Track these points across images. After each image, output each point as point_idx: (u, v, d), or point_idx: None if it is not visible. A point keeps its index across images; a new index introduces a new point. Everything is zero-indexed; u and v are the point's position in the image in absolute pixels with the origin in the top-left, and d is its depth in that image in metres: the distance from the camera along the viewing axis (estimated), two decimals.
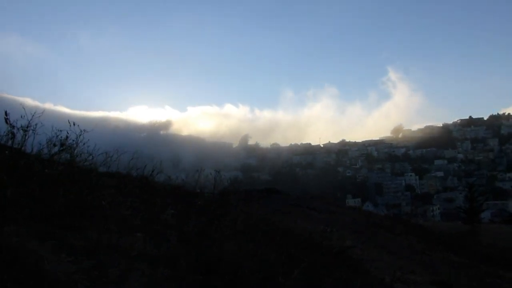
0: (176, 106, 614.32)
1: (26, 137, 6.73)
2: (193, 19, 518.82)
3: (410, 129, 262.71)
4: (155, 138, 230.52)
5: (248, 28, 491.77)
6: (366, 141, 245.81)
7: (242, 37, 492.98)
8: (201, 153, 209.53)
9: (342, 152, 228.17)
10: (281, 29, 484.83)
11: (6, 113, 6.40)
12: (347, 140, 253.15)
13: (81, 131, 7.38)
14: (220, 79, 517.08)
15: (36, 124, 6.79)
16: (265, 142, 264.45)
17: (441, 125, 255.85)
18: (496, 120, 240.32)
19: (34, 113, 6.73)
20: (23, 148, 6.68)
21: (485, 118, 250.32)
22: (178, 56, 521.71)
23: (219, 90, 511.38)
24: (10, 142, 6.46)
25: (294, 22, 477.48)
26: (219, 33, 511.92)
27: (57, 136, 7.17)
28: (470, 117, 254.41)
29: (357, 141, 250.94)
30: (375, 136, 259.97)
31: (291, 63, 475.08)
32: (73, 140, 7.36)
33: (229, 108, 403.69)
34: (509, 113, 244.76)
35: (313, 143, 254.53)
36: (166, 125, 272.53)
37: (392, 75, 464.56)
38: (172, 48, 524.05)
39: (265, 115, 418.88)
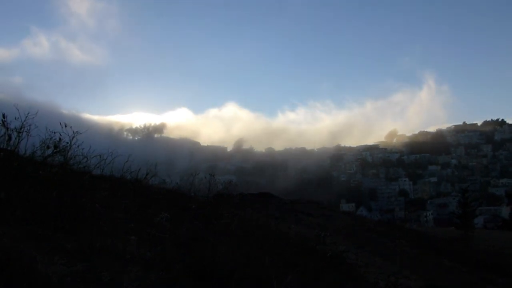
0: (172, 108, 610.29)
1: (20, 139, 6.70)
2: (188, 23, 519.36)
3: (404, 134, 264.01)
4: (150, 141, 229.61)
5: (245, 31, 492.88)
6: (361, 146, 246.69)
7: (236, 41, 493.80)
8: (196, 156, 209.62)
9: (337, 157, 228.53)
10: (276, 30, 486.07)
11: (4, 116, 6.37)
12: (342, 145, 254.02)
13: (73, 132, 7.35)
14: (216, 83, 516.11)
15: (30, 126, 6.77)
16: (260, 146, 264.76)
17: (435, 130, 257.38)
18: (490, 126, 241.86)
19: (28, 113, 6.70)
20: (16, 150, 6.65)
21: (479, 124, 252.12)
22: (175, 58, 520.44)
23: (210, 93, 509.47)
24: (5, 144, 6.43)
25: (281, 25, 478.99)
26: (217, 37, 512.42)
27: (51, 138, 7.14)
28: (464, 122, 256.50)
29: (351, 146, 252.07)
30: (370, 141, 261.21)
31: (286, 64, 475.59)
32: (67, 142, 7.34)
33: (225, 111, 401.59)
34: (502, 119, 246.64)
35: (307, 148, 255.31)
36: (161, 128, 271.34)
37: (390, 79, 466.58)
38: (165, 50, 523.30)
39: (262, 119, 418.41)
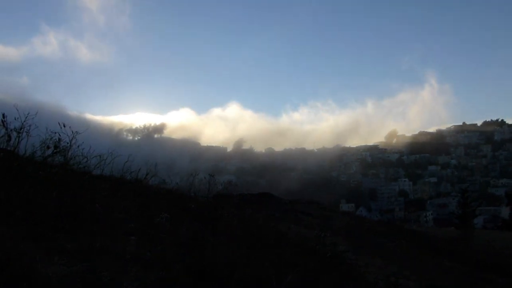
0: (175, 108, 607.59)
1: (20, 139, 6.70)
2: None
3: (404, 135, 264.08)
4: (150, 142, 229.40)
5: (243, 30, 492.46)
6: (361, 146, 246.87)
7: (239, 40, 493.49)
8: (196, 156, 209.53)
9: (337, 157, 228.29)
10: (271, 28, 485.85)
11: (3, 116, 6.37)
12: (342, 145, 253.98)
13: (73, 132, 7.35)
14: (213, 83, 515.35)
15: (30, 126, 6.77)
16: (262, 147, 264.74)
17: (435, 130, 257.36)
18: (490, 127, 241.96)
19: (28, 113, 6.70)
20: (16, 150, 6.65)
21: (478, 124, 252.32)
22: (178, 58, 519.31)
23: (207, 95, 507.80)
24: (5, 144, 6.44)
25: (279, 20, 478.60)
26: (217, 35, 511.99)
27: (51, 138, 7.14)
28: (464, 123, 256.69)
29: (351, 146, 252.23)
30: (369, 142, 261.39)
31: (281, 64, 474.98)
32: (67, 143, 7.34)
33: (228, 111, 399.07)
34: (502, 120, 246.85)
35: (307, 148, 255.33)
36: (161, 128, 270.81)
37: (390, 79, 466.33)
38: (166, 51, 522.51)
39: (266, 120, 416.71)
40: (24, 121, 6.71)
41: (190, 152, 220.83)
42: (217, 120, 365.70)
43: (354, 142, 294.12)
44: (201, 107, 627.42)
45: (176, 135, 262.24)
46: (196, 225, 7.85)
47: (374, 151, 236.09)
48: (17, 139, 6.64)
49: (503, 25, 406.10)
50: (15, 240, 4.20)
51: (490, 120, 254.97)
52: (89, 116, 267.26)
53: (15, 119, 6.65)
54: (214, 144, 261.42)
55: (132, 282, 4.18)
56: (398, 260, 14.94)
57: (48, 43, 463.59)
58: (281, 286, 5.38)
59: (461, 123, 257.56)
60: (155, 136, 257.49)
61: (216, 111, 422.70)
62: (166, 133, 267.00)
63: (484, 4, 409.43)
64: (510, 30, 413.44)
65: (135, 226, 6.13)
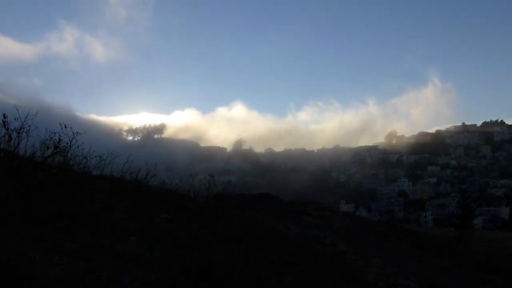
0: (180, 108, 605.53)
1: (20, 139, 6.70)
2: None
3: (404, 135, 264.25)
4: (150, 142, 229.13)
5: (247, 31, 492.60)
6: (360, 146, 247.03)
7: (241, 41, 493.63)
8: (196, 157, 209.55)
9: (337, 158, 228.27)
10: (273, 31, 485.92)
11: (4, 116, 6.37)
12: (341, 145, 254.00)
13: (73, 133, 7.36)
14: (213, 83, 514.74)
15: (29, 126, 6.76)
16: (260, 147, 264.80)
17: (435, 131, 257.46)
18: (489, 127, 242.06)
19: (28, 114, 6.70)
20: (16, 150, 6.65)
21: (478, 125, 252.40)
22: (178, 59, 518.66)
23: (209, 94, 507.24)
24: (6, 144, 6.43)
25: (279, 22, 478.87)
26: (216, 35, 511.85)
27: (51, 138, 7.14)
28: (463, 123, 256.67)
29: (351, 146, 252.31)
30: (369, 142, 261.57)
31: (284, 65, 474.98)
32: (67, 143, 7.34)
33: (233, 111, 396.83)
34: (502, 120, 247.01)
35: (307, 148, 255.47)
36: (160, 128, 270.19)
37: (391, 80, 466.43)
38: (167, 50, 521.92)
39: (271, 121, 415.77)
40: (24, 121, 6.71)
41: (190, 153, 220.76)
42: (222, 121, 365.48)
43: (362, 141, 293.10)
44: (206, 108, 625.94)
45: (181, 136, 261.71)
46: (196, 225, 7.85)
47: (373, 151, 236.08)
48: (17, 140, 6.64)
49: (503, 25, 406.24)
50: (15, 240, 4.20)
51: (489, 120, 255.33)
52: (94, 116, 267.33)
53: (15, 119, 6.65)
54: (217, 145, 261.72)
55: (132, 282, 4.18)
56: (398, 260, 14.93)
57: (63, 40, 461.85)
58: (281, 286, 5.38)
59: (460, 124, 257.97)
60: (155, 136, 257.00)
61: (221, 112, 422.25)
62: (171, 133, 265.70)
63: (485, 4, 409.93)
64: (511, 30, 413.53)
65: (135, 226, 6.14)
